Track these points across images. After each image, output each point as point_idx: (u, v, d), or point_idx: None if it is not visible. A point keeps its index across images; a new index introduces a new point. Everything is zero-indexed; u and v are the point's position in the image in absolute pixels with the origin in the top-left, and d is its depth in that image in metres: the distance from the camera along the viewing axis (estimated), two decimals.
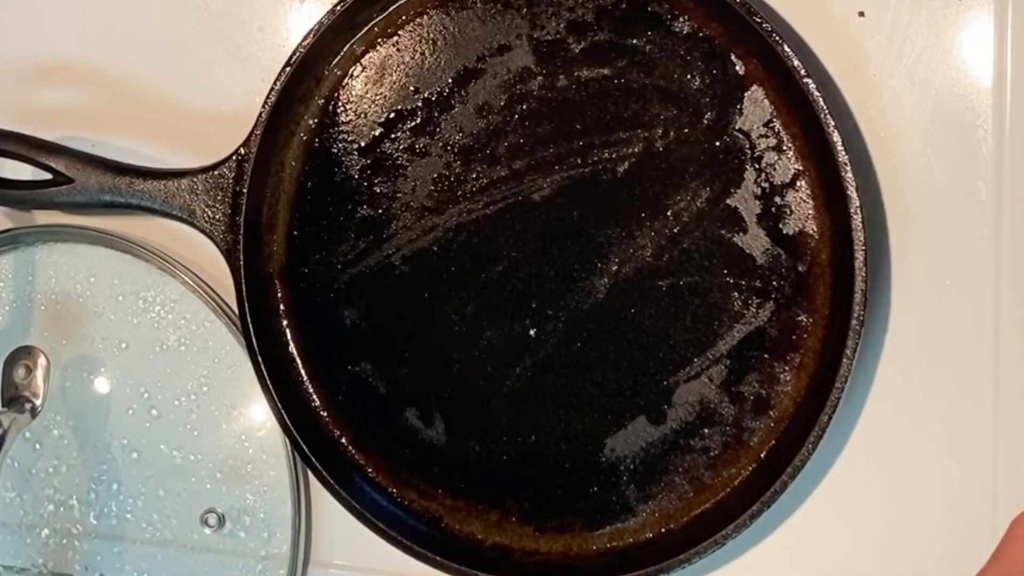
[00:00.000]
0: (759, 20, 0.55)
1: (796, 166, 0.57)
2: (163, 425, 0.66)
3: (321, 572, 0.66)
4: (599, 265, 0.60)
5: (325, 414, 0.63)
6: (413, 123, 0.62)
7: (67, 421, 0.67)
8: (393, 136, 0.62)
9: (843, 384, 0.55)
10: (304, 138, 0.63)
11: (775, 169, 0.57)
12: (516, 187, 0.61)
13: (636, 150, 0.59)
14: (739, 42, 0.57)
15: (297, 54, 0.61)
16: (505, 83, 0.60)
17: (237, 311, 0.62)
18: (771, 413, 0.58)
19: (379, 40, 0.62)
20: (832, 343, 0.56)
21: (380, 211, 0.62)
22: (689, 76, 0.58)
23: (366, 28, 0.62)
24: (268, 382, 0.62)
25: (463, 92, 0.61)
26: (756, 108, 0.58)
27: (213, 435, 0.66)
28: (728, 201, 0.58)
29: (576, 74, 0.60)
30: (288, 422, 0.62)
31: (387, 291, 0.62)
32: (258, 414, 0.65)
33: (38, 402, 0.66)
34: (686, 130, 0.58)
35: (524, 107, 0.60)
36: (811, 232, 0.57)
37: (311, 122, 0.63)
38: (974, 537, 0.55)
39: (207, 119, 0.65)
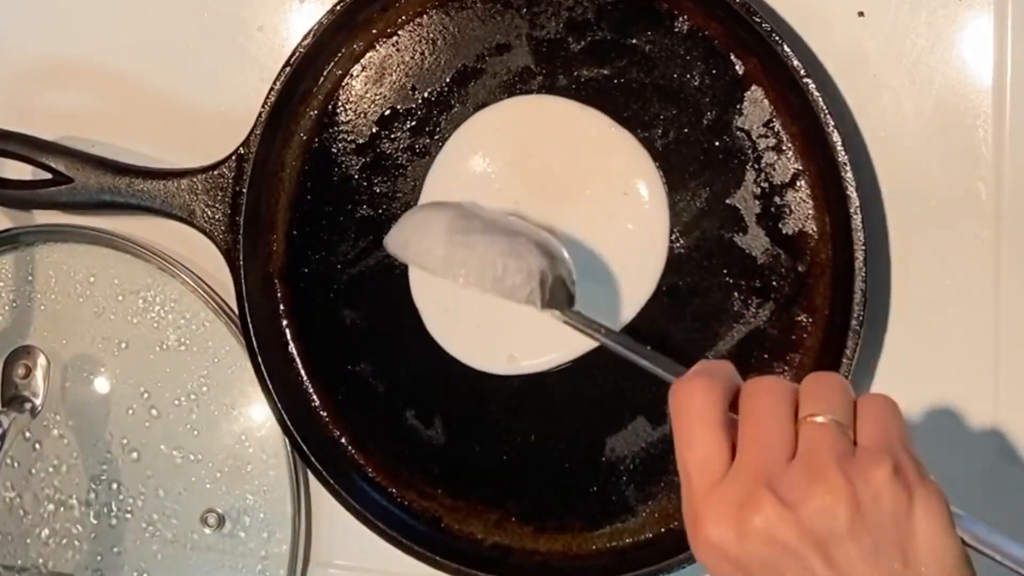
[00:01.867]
0: (759, 20, 0.55)
1: (796, 166, 0.57)
2: (163, 425, 0.66)
3: (321, 572, 0.66)
4: None
5: (325, 414, 0.63)
6: (413, 123, 0.62)
7: (67, 421, 0.67)
8: (393, 136, 0.62)
9: None
10: (304, 138, 0.63)
11: (775, 169, 0.57)
12: None
13: None
14: (739, 42, 0.57)
15: (297, 54, 0.61)
16: (505, 83, 0.60)
17: (237, 311, 0.62)
18: None
19: (379, 40, 0.62)
20: (832, 343, 0.56)
21: (380, 211, 0.62)
22: (689, 76, 0.58)
23: (366, 28, 0.62)
24: (268, 382, 0.62)
25: (463, 92, 0.61)
26: (756, 108, 0.58)
27: (213, 435, 0.66)
28: (728, 201, 0.58)
29: (576, 74, 0.59)
30: (288, 422, 0.62)
31: (387, 291, 0.62)
32: (258, 414, 0.65)
33: (38, 402, 0.66)
34: (686, 130, 0.58)
35: None
36: (811, 232, 0.57)
37: (311, 122, 0.63)
38: None
39: (207, 119, 0.65)
